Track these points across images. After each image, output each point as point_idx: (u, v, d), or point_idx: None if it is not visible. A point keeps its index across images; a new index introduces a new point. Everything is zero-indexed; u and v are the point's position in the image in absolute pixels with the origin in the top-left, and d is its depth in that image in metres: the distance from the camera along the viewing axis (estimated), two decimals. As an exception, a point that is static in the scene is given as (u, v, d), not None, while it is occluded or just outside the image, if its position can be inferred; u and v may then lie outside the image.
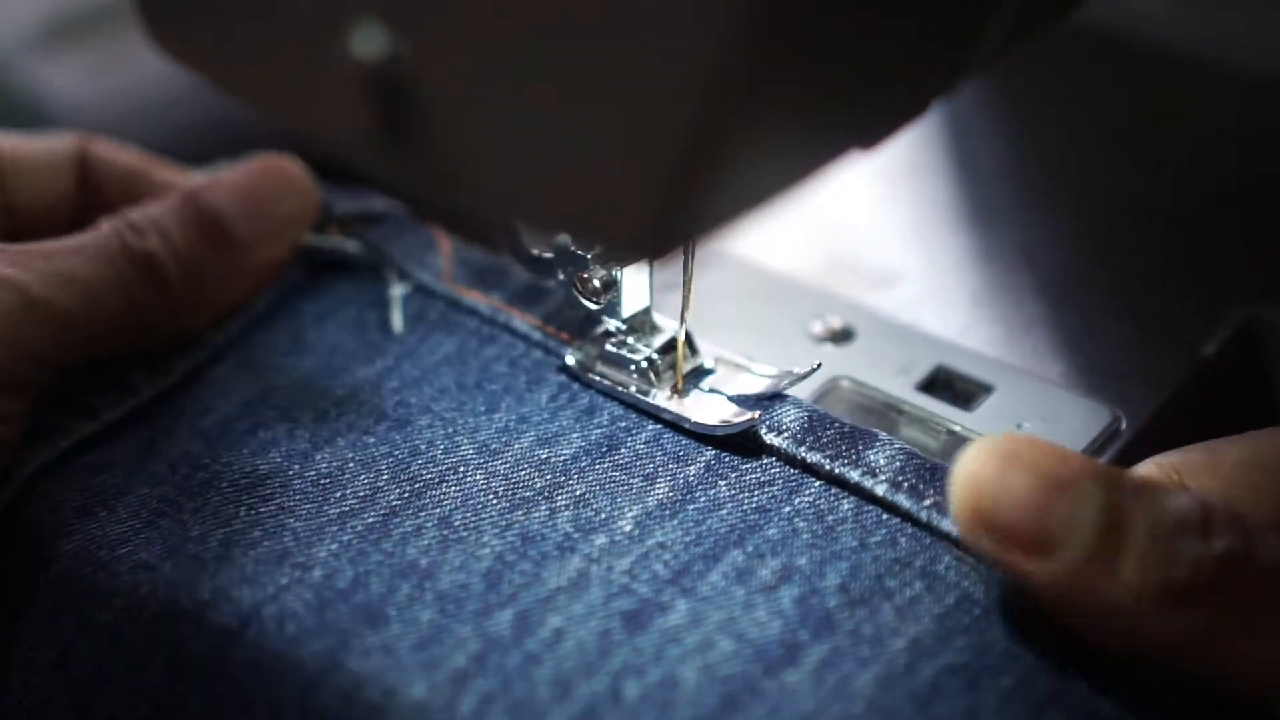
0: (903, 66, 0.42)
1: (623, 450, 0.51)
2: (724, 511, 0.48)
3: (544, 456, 0.50)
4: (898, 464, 0.48)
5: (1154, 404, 0.54)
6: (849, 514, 0.48)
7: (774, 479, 0.49)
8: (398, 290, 0.57)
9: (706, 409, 0.52)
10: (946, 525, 0.47)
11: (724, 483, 0.49)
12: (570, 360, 0.54)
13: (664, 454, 0.51)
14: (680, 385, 0.53)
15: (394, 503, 0.49)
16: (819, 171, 0.42)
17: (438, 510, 0.49)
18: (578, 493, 0.49)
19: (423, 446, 0.51)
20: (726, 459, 0.50)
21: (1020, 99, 0.68)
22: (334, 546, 0.48)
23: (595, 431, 0.51)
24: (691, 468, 0.50)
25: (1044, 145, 0.67)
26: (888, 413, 0.54)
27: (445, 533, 0.48)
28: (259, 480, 0.50)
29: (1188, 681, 0.42)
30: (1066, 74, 0.68)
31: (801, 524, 0.48)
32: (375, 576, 0.47)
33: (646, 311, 0.54)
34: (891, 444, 0.49)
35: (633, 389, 0.53)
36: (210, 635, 0.46)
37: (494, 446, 0.51)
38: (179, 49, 0.45)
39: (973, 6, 0.41)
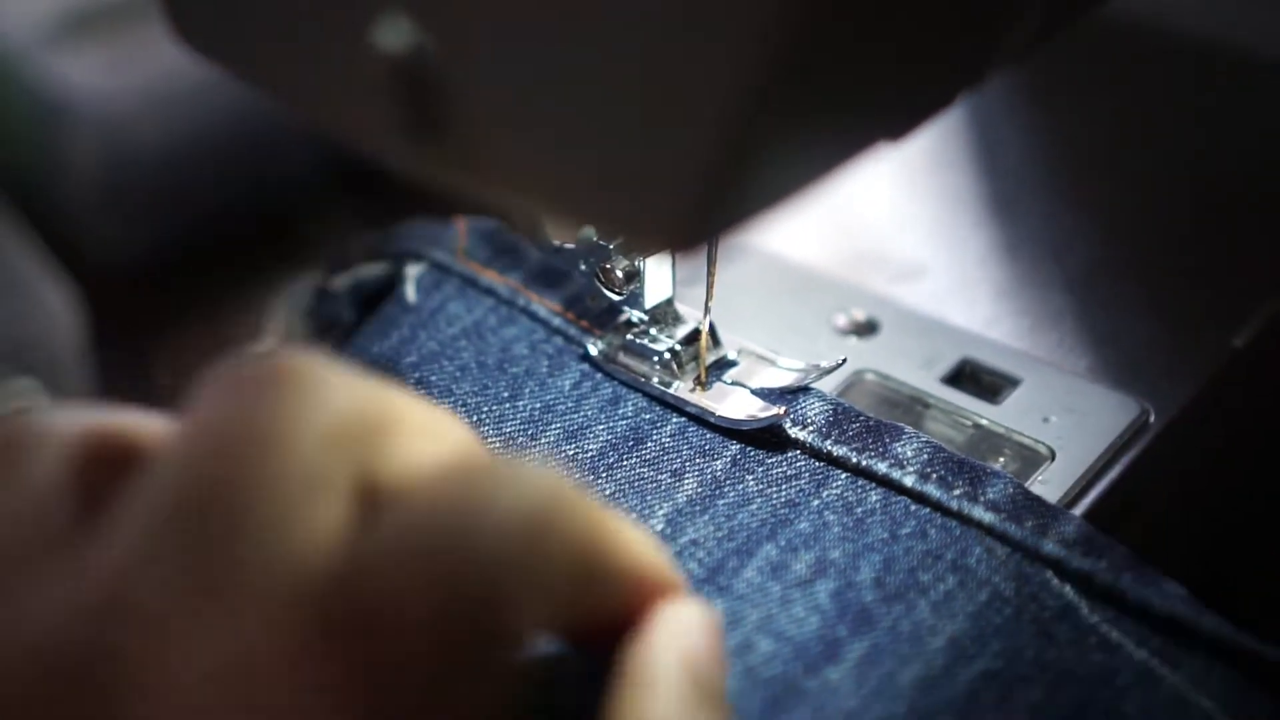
0: (931, 59, 0.42)
1: (649, 444, 0.50)
2: (754, 506, 0.48)
3: (571, 452, 0.50)
4: (925, 456, 0.48)
5: (1183, 397, 0.53)
6: (877, 505, 0.48)
7: (800, 472, 0.49)
8: (413, 270, 0.56)
9: (731, 402, 0.51)
10: (978, 513, 0.46)
11: (751, 477, 0.49)
12: (593, 350, 0.53)
13: (690, 448, 0.50)
14: (704, 377, 0.52)
15: None
16: (848, 164, 0.42)
17: None
18: (608, 492, 0.49)
19: None
20: (752, 453, 0.50)
21: (1046, 90, 0.67)
22: None
23: (621, 424, 0.51)
24: (718, 462, 0.50)
25: (1070, 136, 0.66)
26: (913, 406, 0.54)
27: None
28: None
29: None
30: (1094, 64, 0.67)
31: (831, 516, 0.47)
32: None
33: (669, 302, 0.54)
34: (918, 437, 0.49)
35: (655, 380, 0.52)
36: None
37: (521, 439, 0.50)
38: (202, 43, 0.45)
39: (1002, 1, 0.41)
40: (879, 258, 0.60)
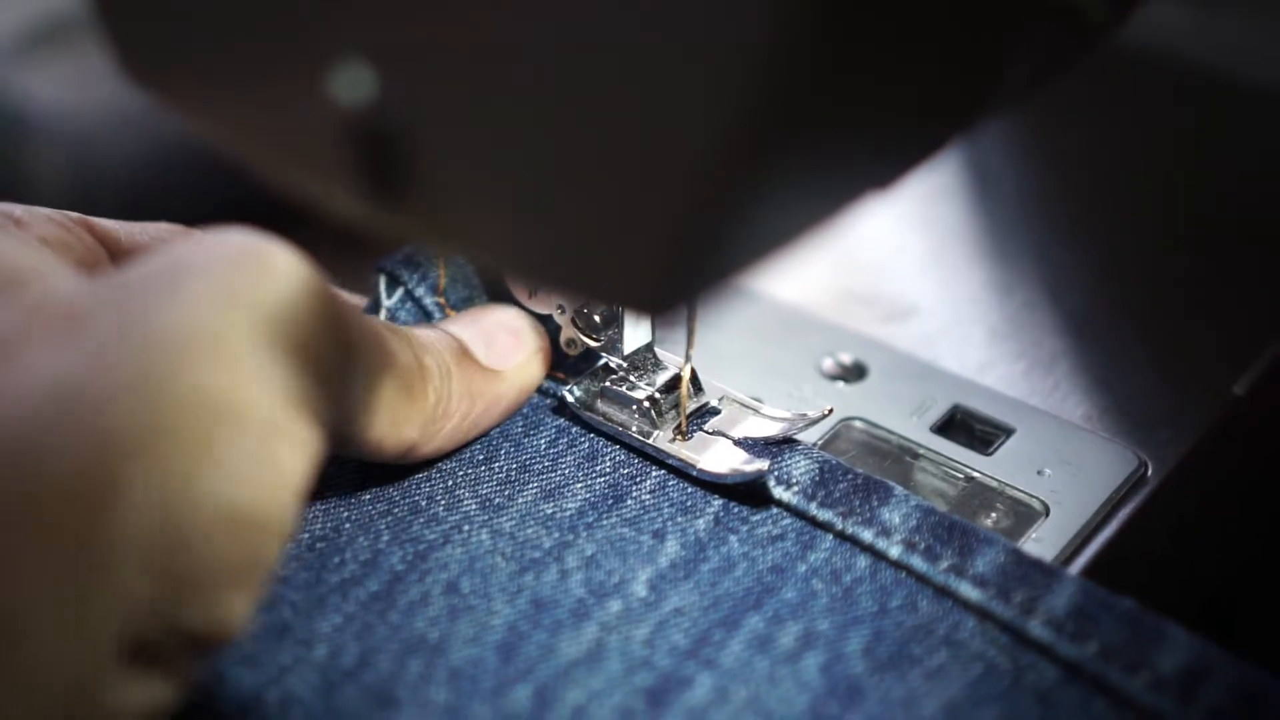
0: (920, 107, 0.40)
1: (629, 502, 0.48)
2: (738, 572, 0.46)
3: (550, 511, 0.48)
4: (913, 522, 0.46)
5: (1182, 447, 0.52)
6: (866, 574, 0.46)
7: (785, 532, 0.47)
8: (386, 300, 0.54)
9: (714, 455, 0.49)
10: (965, 590, 0.44)
11: (735, 538, 0.47)
12: (569, 397, 0.51)
13: (671, 505, 0.48)
14: (684, 427, 0.50)
15: (397, 568, 0.46)
16: (833, 218, 0.40)
17: (444, 575, 0.46)
18: (588, 553, 0.47)
19: (422, 503, 0.48)
20: (735, 510, 0.48)
21: (1042, 121, 0.65)
22: (337, 619, 0.45)
23: (599, 481, 0.49)
24: (700, 520, 0.48)
25: (1067, 170, 0.64)
26: (901, 456, 0.52)
27: (454, 600, 0.45)
28: None
29: None
30: (1091, 95, 0.65)
31: (819, 585, 0.46)
32: (383, 653, 0.44)
33: (649, 348, 0.52)
34: (907, 500, 0.47)
35: (634, 429, 0.50)
36: None
37: (497, 501, 0.48)
38: (150, 80, 0.42)
39: (992, 50, 0.39)
40: (868, 296, 0.58)
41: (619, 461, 0.50)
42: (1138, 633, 0.43)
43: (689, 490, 0.49)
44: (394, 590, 0.45)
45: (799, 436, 0.50)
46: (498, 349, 0.50)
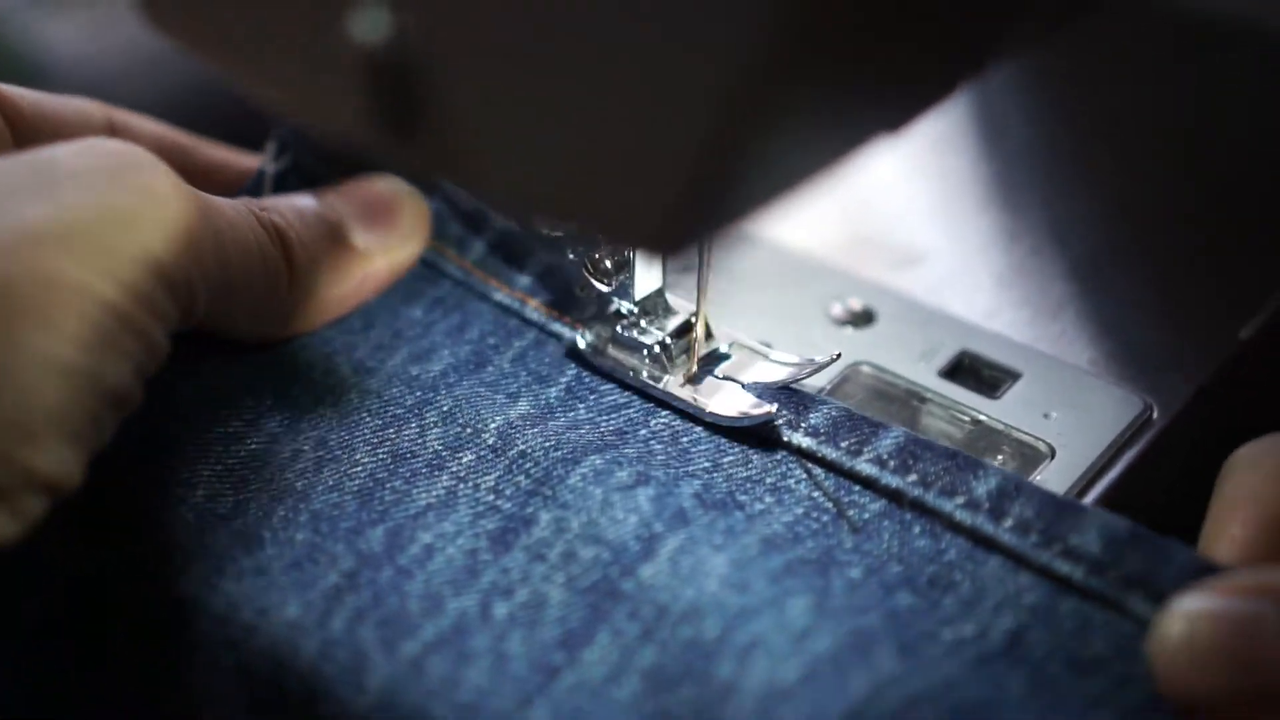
0: (931, 49, 0.40)
1: (489, 368, 0.51)
2: (583, 430, 0.49)
3: (415, 373, 0.51)
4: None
5: (1187, 392, 0.52)
6: (702, 435, 0.49)
7: (631, 401, 0.50)
8: (271, 166, 0.55)
9: (723, 398, 0.50)
10: (797, 439, 0.48)
11: (583, 405, 0.50)
12: (581, 343, 0.52)
13: (529, 373, 0.51)
14: (693, 371, 0.51)
15: (275, 430, 0.49)
16: (843, 161, 0.40)
17: (315, 433, 0.49)
18: (445, 409, 0.50)
19: (302, 368, 0.51)
20: (586, 380, 0.51)
21: (1051, 70, 0.65)
22: (219, 468, 0.48)
23: (465, 348, 0.52)
24: (553, 389, 0.51)
25: (1075, 119, 0.64)
26: (909, 400, 0.52)
27: (321, 453, 0.48)
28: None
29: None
30: (1100, 45, 0.65)
31: (658, 446, 0.49)
32: (254, 503, 0.47)
33: (660, 293, 0.52)
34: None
35: (645, 374, 0.51)
36: (92, 550, 0.47)
37: (370, 364, 0.51)
38: (170, 24, 0.43)
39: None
40: (877, 243, 0.59)
41: (486, 332, 0.53)
42: (956, 464, 0.46)
43: (546, 361, 0.52)
44: (270, 449, 0.49)
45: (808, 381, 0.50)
46: (374, 229, 0.52)
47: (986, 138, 0.63)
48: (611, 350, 0.52)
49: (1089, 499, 0.49)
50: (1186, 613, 0.40)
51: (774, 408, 0.48)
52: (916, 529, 0.45)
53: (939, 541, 0.45)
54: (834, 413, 0.48)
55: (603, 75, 0.35)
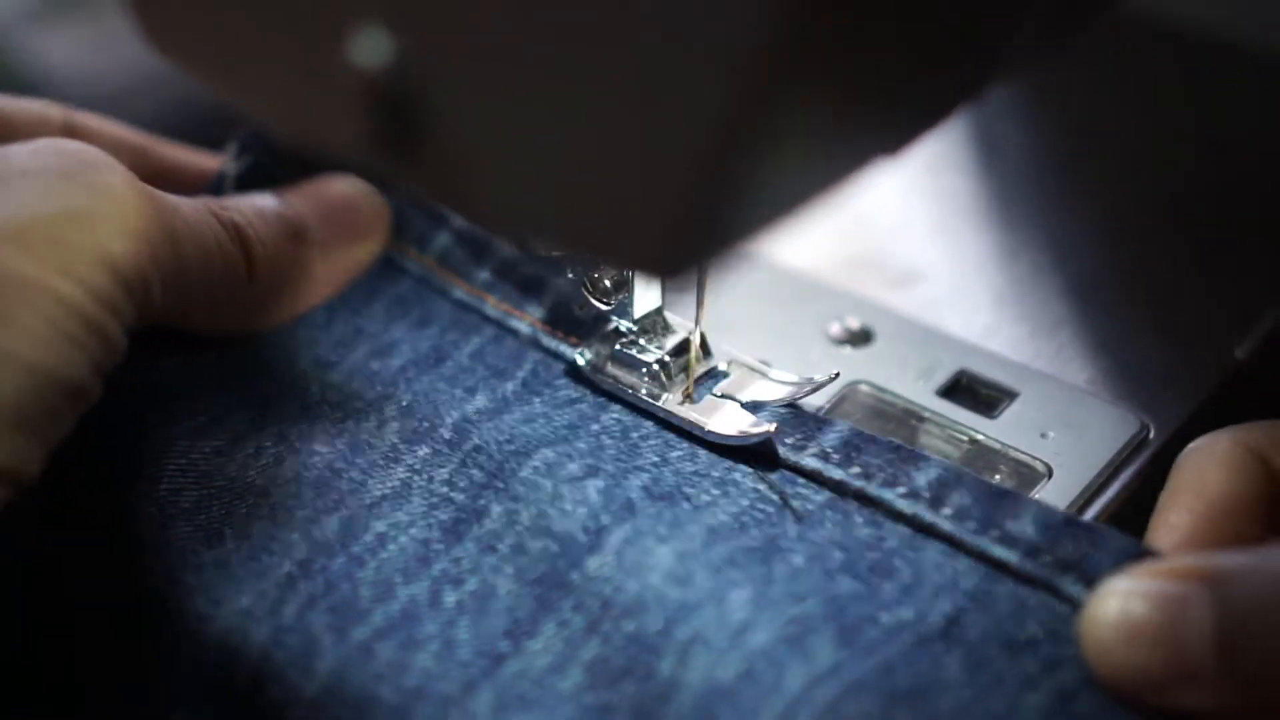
0: (928, 73, 0.40)
1: (448, 363, 0.52)
2: (537, 424, 0.50)
3: (376, 368, 0.52)
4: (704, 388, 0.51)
5: (1184, 411, 0.52)
6: (651, 430, 0.50)
7: (584, 396, 0.51)
8: (232, 168, 0.55)
9: (722, 417, 0.50)
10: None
11: (539, 399, 0.51)
12: (580, 360, 0.52)
13: (486, 368, 0.52)
14: (691, 389, 0.51)
15: (239, 427, 0.50)
16: (842, 183, 0.40)
17: (276, 427, 0.50)
18: (404, 403, 0.50)
19: (266, 364, 0.52)
20: (542, 375, 0.52)
21: (1049, 89, 0.66)
22: (182, 462, 0.49)
23: (425, 344, 0.53)
24: (510, 383, 0.52)
25: (1072, 138, 0.65)
26: (907, 420, 0.52)
27: (281, 447, 0.49)
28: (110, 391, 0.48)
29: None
30: (1097, 63, 0.66)
31: (608, 440, 0.49)
32: (217, 500, 0.48)
33: (659, 312, 0.52)
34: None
35: (643, 392, 0.51)
36: (56, 542, 0.47)
37: (331, 359, 0.52)
38: (169, 45, 0.43)
39: (1001, 16, 0.39)
40: (875, 262, 0.59)
41: (445, 328, 0.53)
42: (898, 456, 0.47)
43: (504, 355, 0.52)
44: (232, 444, 0.49)
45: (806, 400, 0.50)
46: (333, 228, 0.53)
47: (984, 157, 0.63)
48: (611, 368, 0.52)
49: (1086, 518, 0.49)
50: (1118, 590, 0.41)
51: (773, 427, 0.49)
52: (859, 518, 0.46)
53: (880, 530, 0.46)
54: (781, 410, 0.50)
55: (602, 99, 0.35)
